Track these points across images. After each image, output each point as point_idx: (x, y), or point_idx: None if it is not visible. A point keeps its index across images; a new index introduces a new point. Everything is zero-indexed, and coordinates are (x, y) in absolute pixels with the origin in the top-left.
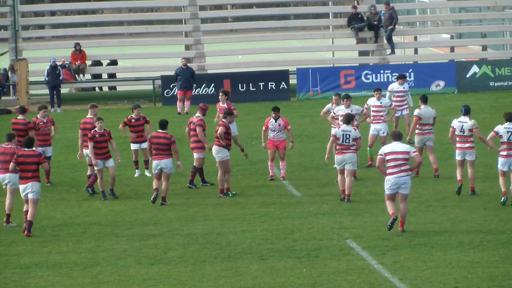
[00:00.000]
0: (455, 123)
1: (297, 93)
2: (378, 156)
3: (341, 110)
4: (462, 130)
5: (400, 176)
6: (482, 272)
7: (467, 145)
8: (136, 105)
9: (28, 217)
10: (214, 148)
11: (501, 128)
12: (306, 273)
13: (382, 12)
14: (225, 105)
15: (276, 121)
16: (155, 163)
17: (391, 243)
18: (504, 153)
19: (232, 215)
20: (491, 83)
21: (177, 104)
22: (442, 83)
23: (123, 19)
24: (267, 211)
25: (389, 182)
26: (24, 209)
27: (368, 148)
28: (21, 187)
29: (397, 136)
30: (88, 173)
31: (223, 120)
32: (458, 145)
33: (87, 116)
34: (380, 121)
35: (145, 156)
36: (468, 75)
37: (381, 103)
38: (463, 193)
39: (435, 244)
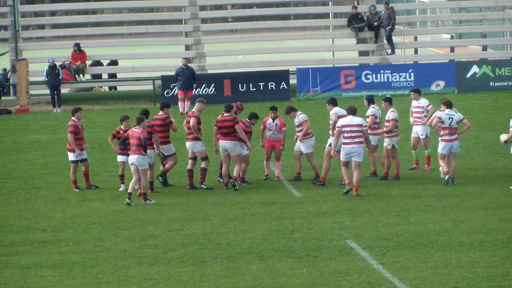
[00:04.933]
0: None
1: (297, 93)
2: (336, 129)
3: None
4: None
5: (353, 146)
6: (482, 272)
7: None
8: (124, 117)
9: (149, 178)
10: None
11: (443, 115)
12: (306, 273)
13: (382, 12)
14: None
15: (273, 121)
16: (221, 143)
17: (391, 243)
18: (446, 137)
19: (232, 215)
20: (491, 83)
21: (179, 104)
22: (442, 83)
23: (123, 19)
24: (267, 211)
25: (344, 150)
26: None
27: (412, 151)
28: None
29: (352, 111)
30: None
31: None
32: (378, 131)
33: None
34: (419, 123)
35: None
36: (468, 75)
37: (419, 103)
38: (463, 193)
39: (435, 244)
